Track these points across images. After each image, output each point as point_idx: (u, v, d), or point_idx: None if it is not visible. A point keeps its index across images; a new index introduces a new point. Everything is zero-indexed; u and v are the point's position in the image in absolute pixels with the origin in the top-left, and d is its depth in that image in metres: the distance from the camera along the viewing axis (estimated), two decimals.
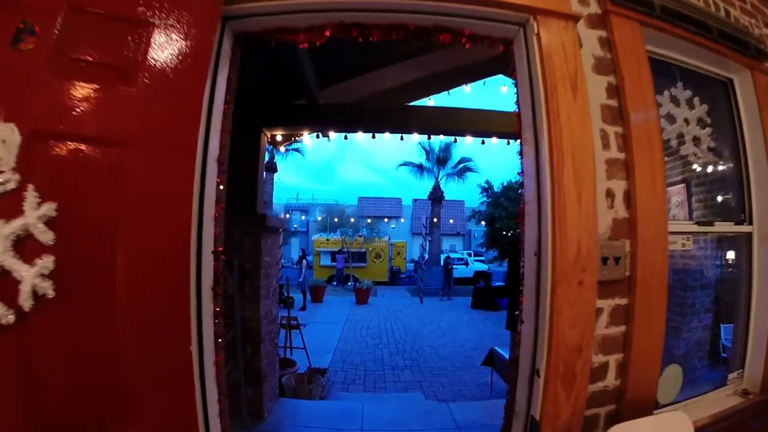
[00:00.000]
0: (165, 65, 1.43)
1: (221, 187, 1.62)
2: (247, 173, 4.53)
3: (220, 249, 1.62)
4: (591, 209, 1.66)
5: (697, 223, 2.51)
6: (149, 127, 1.39)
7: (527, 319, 1.75)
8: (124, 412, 1.33)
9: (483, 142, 5.30)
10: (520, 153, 1.86)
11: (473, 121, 4.89)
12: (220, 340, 1.64)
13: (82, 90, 1.34)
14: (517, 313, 1.85)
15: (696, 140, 2.75)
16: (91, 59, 1.37)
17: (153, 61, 1.42)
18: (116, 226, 1.33)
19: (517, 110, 1.91)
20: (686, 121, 2.70)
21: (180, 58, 1.45)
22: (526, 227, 1.81)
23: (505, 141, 5.15)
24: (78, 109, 1.34)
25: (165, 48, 1.44)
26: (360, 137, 5.28)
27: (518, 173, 1.87)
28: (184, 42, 1.47)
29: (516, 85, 1.90)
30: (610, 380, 1.90)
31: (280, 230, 5.65)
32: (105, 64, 1.39)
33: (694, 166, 2.80)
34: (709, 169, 2.87)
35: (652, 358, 1.95)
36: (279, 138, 5.22)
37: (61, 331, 1.29)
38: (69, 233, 1.29)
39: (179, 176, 1.40)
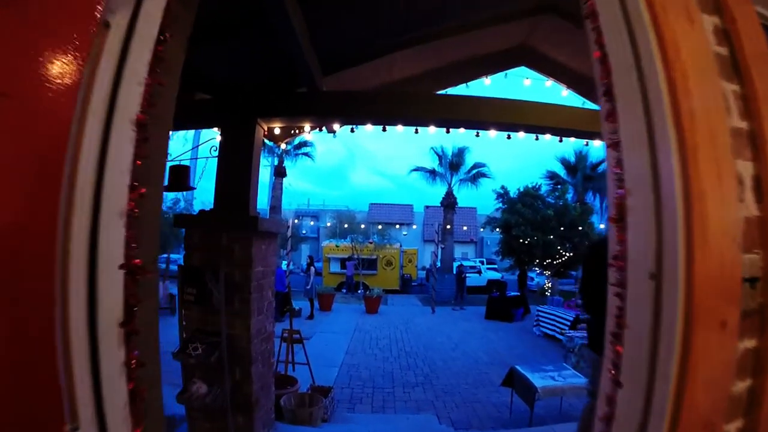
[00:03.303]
0: None
1: (138, 162, 1.02)
2: (238, 170, 3.99)
3: (137, 262, 1.02)
4: (732, 202, 1.04)
5: None
6: None
7: (631, 381, 1.09)
8: None
9: (509, 137, 4.71)
10: (609, 114, 1.22)
11: (499, 111, 4.28)
12: (137, 403, 1.04)
13: None
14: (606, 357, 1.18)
15: None
16: None
17: None
18: None
19: (597, 52, 1.28)
20: None
21: None
22: (629, 232, 1.16)
23: (534, 136, 4.58)
24: None
25: None
26: (369, 130, 4.69)
27: (607, 145, 1.24)
28: None
29: (593, 19, 1.29)
30: None
31: (281, 235, 5.08)
32: None
33: None
34: None
35: None
36: (277, 131, 4.66)
37: None
38: None
39: (39, 137, 0.81)
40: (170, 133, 1.33)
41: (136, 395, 1.07)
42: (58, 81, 0.89)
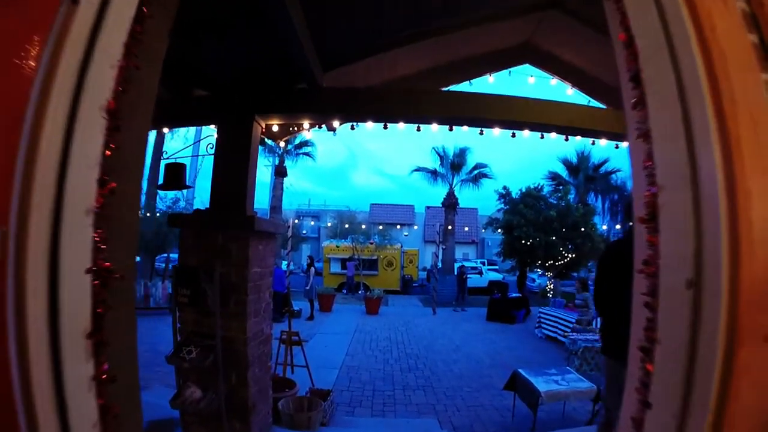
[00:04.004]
0: None
1: (108, 153, 0.91)
2: (235, 168, 3.88)
3: (107, 265, 0.91)
4: None
5: None
6: None
7: (663, 403, 0.97)
8: None
9: (513, 135, 4.60)
10: (637, 102, 1.10)
11: (504, 109, 4.17)
12: (108, 420, 0.93)
13: None
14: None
15: None
16: None
17: None
18: None
19: (622, 35, 1.16)
20: None
21: None
22: (662, 233, 1.02)
23: (539, 134, 4.46)
24: None
25: None
26: (370, 128, 4.59)
27: (634, 137, 1.11)
28: None
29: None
30: None
31: (282, 235, 4.99)
32: None
33: None
34: None
35: None
36: (276, 129, 4.56)
37: None
38: None
39: None
40: (150, 122, 1.22)
41: (107, 412, 0.97)
42: (16, 61, 0.78)
